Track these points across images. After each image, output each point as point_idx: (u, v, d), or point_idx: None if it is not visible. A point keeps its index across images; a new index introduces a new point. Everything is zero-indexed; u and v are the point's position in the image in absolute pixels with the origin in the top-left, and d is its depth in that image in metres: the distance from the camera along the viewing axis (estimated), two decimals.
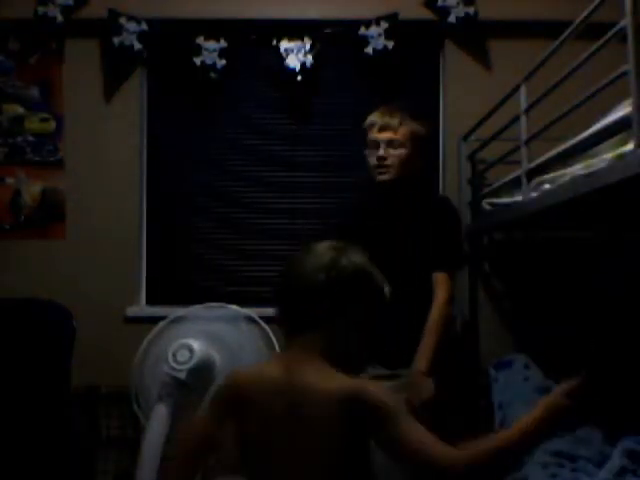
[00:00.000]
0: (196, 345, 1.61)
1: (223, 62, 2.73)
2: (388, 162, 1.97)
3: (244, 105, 2.84)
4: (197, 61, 2.72)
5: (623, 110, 1.32)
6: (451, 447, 0.98)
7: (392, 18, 2.71)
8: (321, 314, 1.07)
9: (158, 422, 1.59)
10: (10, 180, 2.74)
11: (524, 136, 1.93)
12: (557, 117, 1.70)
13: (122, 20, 2.70)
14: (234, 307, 1.84)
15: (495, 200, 2.28)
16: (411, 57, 2.81)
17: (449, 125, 2.78)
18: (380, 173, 1.99)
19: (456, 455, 0.96)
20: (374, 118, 2.02)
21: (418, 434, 0.98)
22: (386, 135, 1.97)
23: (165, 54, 2.81)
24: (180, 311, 1.86)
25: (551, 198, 1.69)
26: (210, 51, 2.72)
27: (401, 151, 1.97)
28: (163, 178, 2.84)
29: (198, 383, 1.65)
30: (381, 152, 1.97)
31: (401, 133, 1.97)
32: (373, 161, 2.00)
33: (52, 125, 2.76)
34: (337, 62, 2.80)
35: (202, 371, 1.62)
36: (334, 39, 2.75)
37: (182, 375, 1.57)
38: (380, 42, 2.71)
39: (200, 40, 2.71)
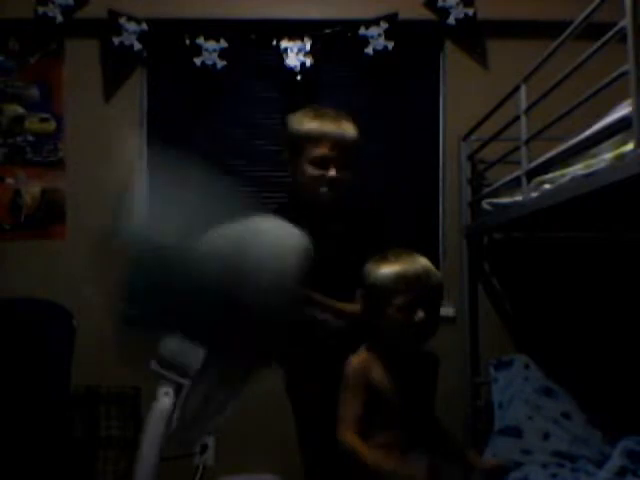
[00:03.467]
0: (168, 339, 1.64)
1: (223, 62, 2.73)
2: (340, 185, 1.61)
3: (244, 105, 2.84)
4: (197, 61, 2.72)
5: (623, 110, 1.32)
6: (352, 430, 1.33)
7: (392, 18, 2.71)
8: None
9: (157, 421, 1.59)
10: (10, 180, 2.74)
11: (524, 136, 1.93)
12: (557, 117, 1.70)
13: (122, 20, 2.70)
14: None
15: (495, 200, 2.28)
16: (411, 57, 2.81)
17: (449, 125, 2.78)
18: (327, 196, 1.62)
19: (347, 436, 1.33)
20: (326, 129, 1.59)
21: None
22: (340, 155, 1.59)
23: (165, 54, 2.81)
24: None
25: (551, 198, 1.69)
26: (210, 51, 2.72)
27: (349, 171, 1.63)
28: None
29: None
30: (333, 173, 1.59)
31: (353, 151, 1.62)
32: (316, 180, 1.61)
33: (52, 125, 2.76)
34: (337, 62, 2.80)
35: (179, 365, 1.63)
36: (334, 39, 2.75)
37: (152, 365, 1.60)
38: (380, 42, 2.71)
39: (200, 40, 2.71)
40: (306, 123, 1.62)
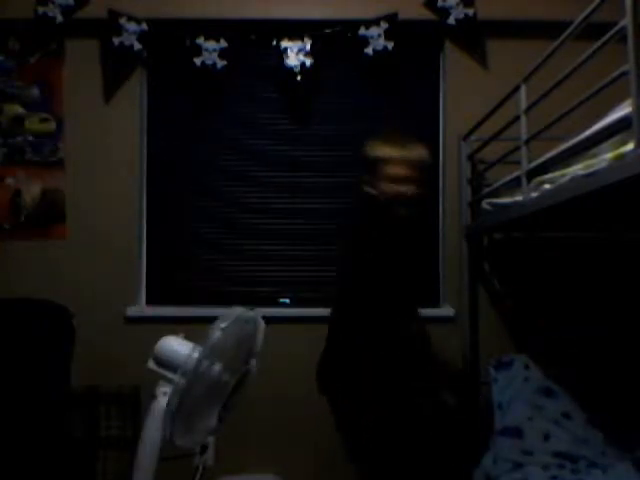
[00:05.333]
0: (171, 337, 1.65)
1: (223, 62, 2.73)
2: (413, 200, 2.01)
3: (244, 105, 2.84)
4: (197, 61, 2.72)
5: (623, 110, 1.32)
6: None
7: (392, 18, 2.72)
8: None
9: (155, 421, 1.59)
10: (10, 180, 2.74)
11: (524, 136, 1.93)
12: (557, 117, 1.70)
13: (122, 20, 2.70)
14: None
15: (495, 200, 2.28)
16: (411, 57, 2.81)
17: (449, 125, 2.78)
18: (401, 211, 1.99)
19: None
20: (405, 153, 1.99)
21: None
22: (413, 174, 1.99)
23: (165, 54, 2.81)
24: None
25: (551, 198, 1.69)
26: (210, 51, 2.72)
27: (421, 187, 2.03)
28: (163, 178, 2.84)
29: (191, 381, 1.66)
30: (409, 190, 1.98)
31: (423, 170, 2.04)
32: (395, 196, 1.98)
33: (52, 125, 2.76)
34: (337, 62, 2.80)
35: (171, 364, 1.63)
36: (334, 39, 2.75)
37: (150, 364, 1.61)
38: (380, 42, 2.71)
39: (200, 40, 2.72)
40: (383, 149, 2.00)
